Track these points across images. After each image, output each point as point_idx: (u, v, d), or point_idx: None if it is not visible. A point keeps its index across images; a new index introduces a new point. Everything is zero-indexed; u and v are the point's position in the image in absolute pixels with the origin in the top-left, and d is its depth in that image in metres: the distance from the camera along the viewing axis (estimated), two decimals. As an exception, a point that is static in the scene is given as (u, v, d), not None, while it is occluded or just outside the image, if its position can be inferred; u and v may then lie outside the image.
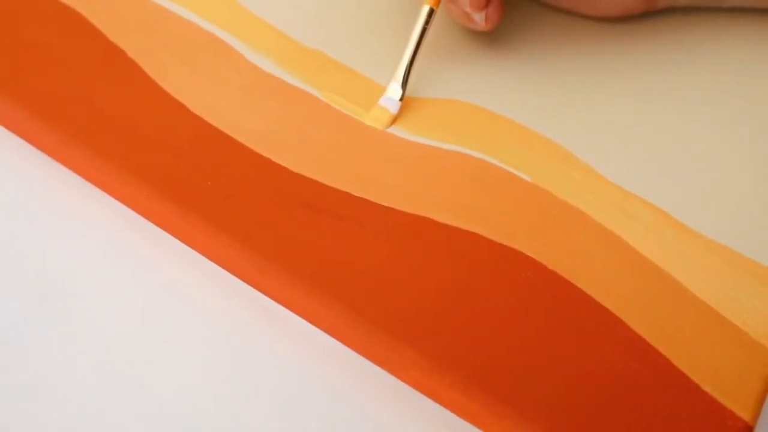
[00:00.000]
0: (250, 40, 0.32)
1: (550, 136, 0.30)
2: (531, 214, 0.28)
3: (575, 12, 0.35)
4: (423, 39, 0.30)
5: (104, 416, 0.25)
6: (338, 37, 0.33)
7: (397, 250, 0.27)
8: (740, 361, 0.25)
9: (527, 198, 0.28)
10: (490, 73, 0.33)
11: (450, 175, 0.29)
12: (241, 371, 0.26)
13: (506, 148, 0.30)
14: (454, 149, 0.30)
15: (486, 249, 0.27)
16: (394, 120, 0.30)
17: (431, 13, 0.30)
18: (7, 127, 0.30)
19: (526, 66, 0.33)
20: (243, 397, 0.26)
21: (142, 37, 0.32)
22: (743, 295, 0.27)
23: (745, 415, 0.24)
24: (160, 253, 0.28)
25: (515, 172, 0.29)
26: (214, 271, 0.27)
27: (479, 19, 0.31)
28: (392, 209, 0.28)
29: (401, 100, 0.31)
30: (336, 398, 0.26)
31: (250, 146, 0.29)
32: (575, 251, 0.27)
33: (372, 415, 0.26)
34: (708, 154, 0.30)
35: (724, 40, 0.34)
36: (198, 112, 0.30)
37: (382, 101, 0.31)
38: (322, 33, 0.33)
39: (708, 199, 0.29)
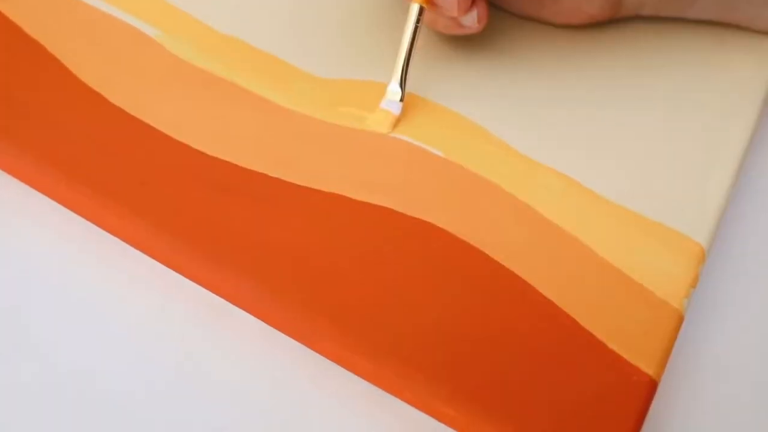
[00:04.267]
0: (168, 30, 0.33)
1: (463, 113, 0.31)
2: (443, 188, 0.29)
3: (538, 19, 0.34)
4: (416, 37, 0.30)
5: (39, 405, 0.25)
6: (256, 24, 0.33)
7: (311, 228, 0.27)
8: (646, 319, 0.26)
9: (440, 172, 0.29)
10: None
11: (363, 153, 0.29)
12: (161, 351, 0.27)
13: (417, 124, 0.30)
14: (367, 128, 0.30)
15: (399, 223, 0.28)
16: (398, 122, 0.30)
17: (421, 11, 0.29)
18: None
19: (447, 48, 0.33)
20: (161, 375, 0.26)
21: (61, 30, 0.32)
22: (650, 257, 0.27)
23: (649, 370, 0.25)
24: (80, 242, 0.29)
25: (428, 147, 0.30)
26: (131, 254, 0.28)
27: (470, 22, 0.30)
28: (307, 188, 0.28)
29: (402, 100, 0.30)
30: (254, 370, 0.26)
31: (169, 133, 0.30)
32: (486, 222, 0.28)
33: (290, 385, 0.26)
34: (615, 123, 0.31)
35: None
36: (117, 103, 0.30)
37: (383, 104, 0.30)
38: (240, 20, 0.33)
39: (615, 166, 0.30)
